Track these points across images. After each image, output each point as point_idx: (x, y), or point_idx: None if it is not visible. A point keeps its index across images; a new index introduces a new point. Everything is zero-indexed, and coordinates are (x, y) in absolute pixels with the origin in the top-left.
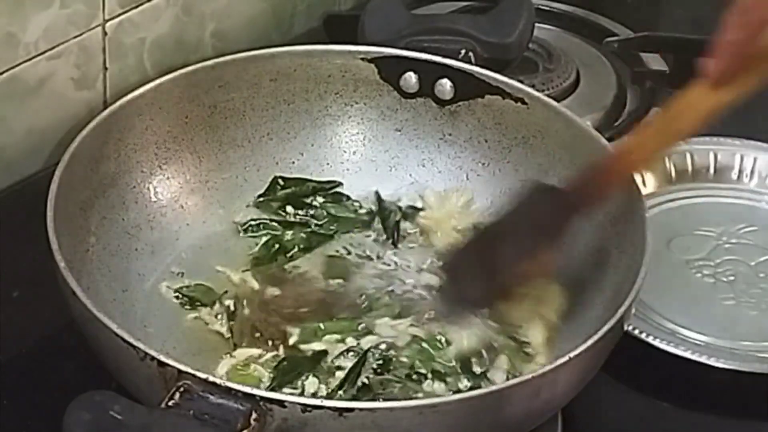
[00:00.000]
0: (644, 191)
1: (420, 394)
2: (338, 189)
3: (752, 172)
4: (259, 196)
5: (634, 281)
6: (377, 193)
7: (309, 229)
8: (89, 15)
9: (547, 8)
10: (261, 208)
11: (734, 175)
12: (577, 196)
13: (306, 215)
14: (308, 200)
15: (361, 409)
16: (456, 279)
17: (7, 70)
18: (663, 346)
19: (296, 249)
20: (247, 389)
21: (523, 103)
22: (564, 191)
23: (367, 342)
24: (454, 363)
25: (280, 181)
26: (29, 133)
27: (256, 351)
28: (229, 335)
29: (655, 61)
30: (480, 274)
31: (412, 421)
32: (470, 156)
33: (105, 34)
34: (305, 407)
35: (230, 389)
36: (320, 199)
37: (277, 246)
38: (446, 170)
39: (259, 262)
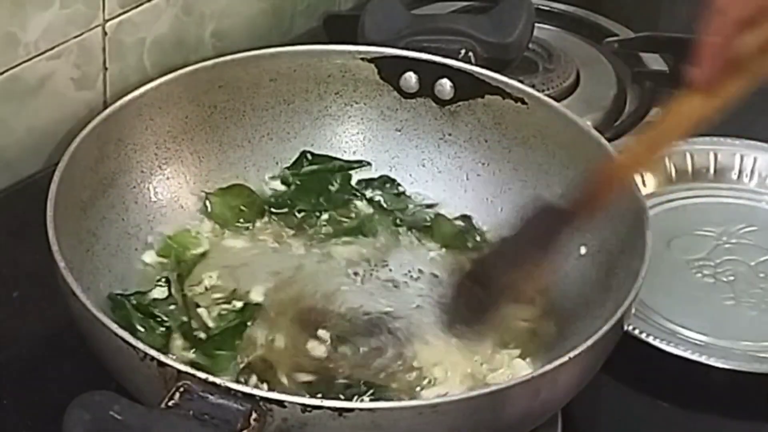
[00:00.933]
0: (644, 191)
1: None
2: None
3: (752, 172)
4: (286, 168)
5: (634, 281)
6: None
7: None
8: (89, 15)
9: (547, 8)
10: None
11: (734, 175)
12: (577, 209)
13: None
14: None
15: (360, 409)
16: (460, 296)
17: (7, 70)
18: (663, 346)
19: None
20: (247, 389)
21: (523, 103)
22: (564, 207)
23: None
24: None
25: (308, 156)
26: (29, 133)
27: None
28: None
29: (655, 61)
30: (482, 292)
31: (412, 422)
32: (470, 156)
33: (105, 34)
34: (305, 407)
35: (230, 389)
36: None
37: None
38: (446, 170)
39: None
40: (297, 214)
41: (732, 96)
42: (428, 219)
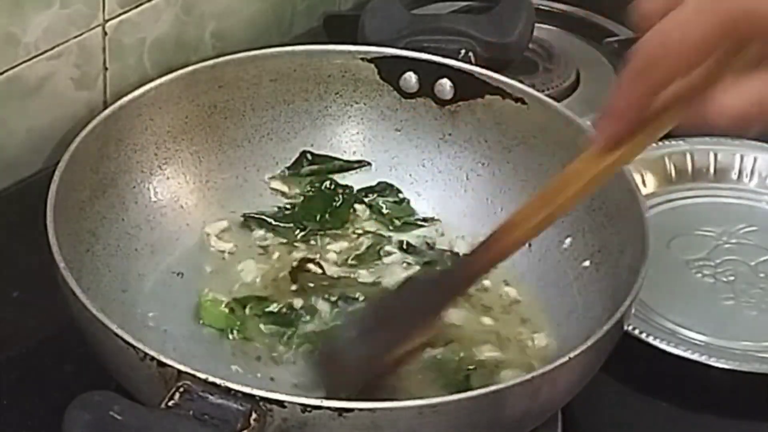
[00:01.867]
0: (644, 191)
1: None
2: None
3: (752, 172)
4: (287, 168)
5: (634, 281)
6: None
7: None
8: (89, 15)
9: (547, 8)
10: (287, 182)
11: (734, 175)
12: (462, 276)
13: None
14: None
15: (360, 409)
16: (333, 357)
17: (7, 70)
18: (663, 346)
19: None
20: (247, 389)
21: (523, 103)
22: (447, 273)
23: None
24: None
25: (308, 156)
26: (29, 133)
27: None
28: None
29: None
30: (357, 358)
31: (412, 421)
32: (470, 156)
33: (105, 34)
34: (305, 407)
35: (230, 389)
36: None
37: None
38: (446, 170)
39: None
40: (301, 230)
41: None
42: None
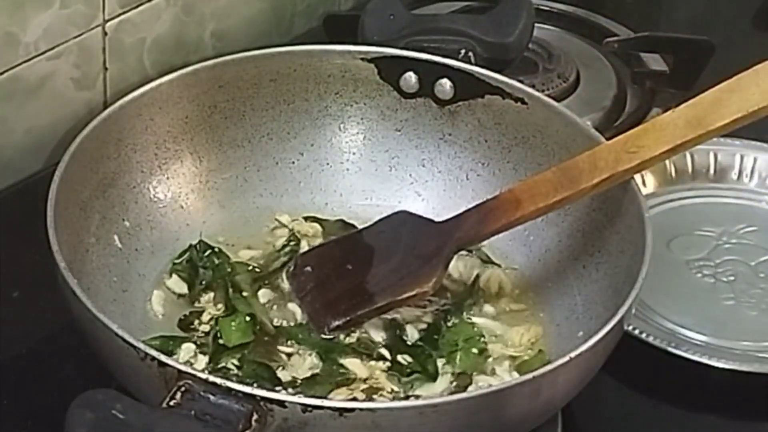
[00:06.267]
0: (644, 191)
1: None
2: None
3: (752, 172)
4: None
5: (634, 281)
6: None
7: None
8: (89, 15)
9: (547, 8)
10: None
11: (734, 175)
12: (456, 229)
13: None
14: None
15: (361, 409)
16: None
17: (7, 70)
18: (663, 346)
19: None
20: (248, 389)
21: (523, 103)
22: (440, 223)
23: None
24: None
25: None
26: (29, 133)
27: None
28: None
29: (655, 61)
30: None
31: (412, 421)
32: (470, 156)
33: (105, 34)
34: (305, 407)
35: (230, 389)
36: None
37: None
38: (446, 170)
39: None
40: None
41: None
42: None
